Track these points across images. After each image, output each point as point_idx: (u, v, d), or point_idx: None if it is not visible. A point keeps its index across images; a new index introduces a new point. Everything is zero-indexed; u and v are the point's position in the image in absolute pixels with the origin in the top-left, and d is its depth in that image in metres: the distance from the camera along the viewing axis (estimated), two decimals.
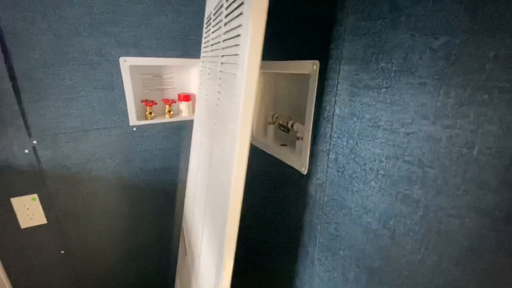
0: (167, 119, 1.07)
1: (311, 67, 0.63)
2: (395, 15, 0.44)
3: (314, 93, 0.63)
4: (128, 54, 0.93)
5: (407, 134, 0.44)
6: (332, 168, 0.62)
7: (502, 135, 0.33)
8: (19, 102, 0.82)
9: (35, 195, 0.92)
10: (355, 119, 0.54)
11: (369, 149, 0.51)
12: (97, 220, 1.07)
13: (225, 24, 0.57)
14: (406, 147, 0.44)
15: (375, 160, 0.50)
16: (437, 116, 0.39)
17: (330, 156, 0.62)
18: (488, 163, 0.34)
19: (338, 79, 0.57)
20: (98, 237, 1.09)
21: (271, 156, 0.88)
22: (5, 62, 0.77)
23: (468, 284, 0.39)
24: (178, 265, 1.28)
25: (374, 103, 0.49)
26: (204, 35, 0.94)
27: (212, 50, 0.73)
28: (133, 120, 1.00)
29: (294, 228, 0.80)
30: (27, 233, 0.94)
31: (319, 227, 0.68)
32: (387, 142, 0.47)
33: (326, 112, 0.61)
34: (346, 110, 0.56)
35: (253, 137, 0.98)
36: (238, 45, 0.46)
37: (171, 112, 1.08)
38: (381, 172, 0.49)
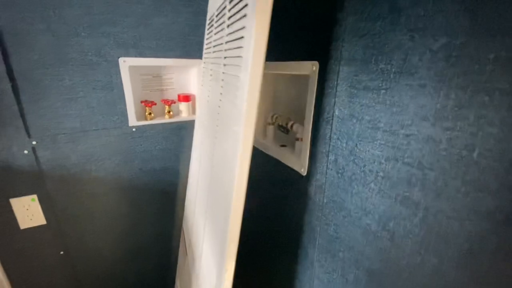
0: (166, 119, 1.07)
1: (310, 68, 0.63)
2: (394, 16, 0.43)
3: (314, 94, 0.63)
4: (127, 54, 0.92)
5: (407, 136, 0.43)
6: (331, 169, 0.61)
7: (503, 138, 0.33)
8: (19, 102, 0.82)
9: (35, 196, 0.92)
10: (354, 121, 0.53)
11: (368, 151, 0.51)
12: (96, 220, 1.07)
13: (228, 26, 0.57)
14: (405, 149, 0.44)
15: (374, 162, 0.50)
16: (437, 118, 0.39)
17: (329, 158, 0.62)
18: (488, 165, 0.34)
19: (337, 80, 0.56)
20: (98, 238, 1.09)
21: (271, 156, 0.88)
22: (4, 63, 0.77)
23: (468, 286, 0.38)
24: (178, 265, 1.28)
25: (373, 104, 0.49)
26: (206, 36, 0.93)
27: (214, 52, 0.73)
28: (133, 120, 1.00)
29: (293, 229, 0.80)
30: (26, 233, 0.94)
31: (319, 228, 0.68)
32: (386, 144, 0.47)
33: (325, 113, 0.61)
34: (345, 112, 0.55)
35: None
36: (241, 47, 0.46)
37: (171, 113, 1.08)
38: (381, 174, 0.49)
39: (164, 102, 1.06)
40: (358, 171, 0.54)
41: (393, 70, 0.44)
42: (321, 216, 0.67)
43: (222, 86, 0.63)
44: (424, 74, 0.40)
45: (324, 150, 0.63)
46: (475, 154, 0.35)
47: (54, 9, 0.79)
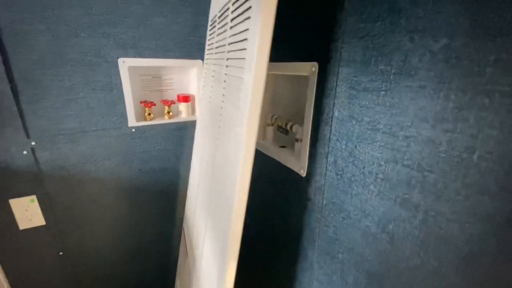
0: (166, 120, 1.07)
1: (309, 69, 0.62)
2: (394, 17, 0.43)
3: (313, 95, 0.63)
4: (127, 55, 0.92)
5: (406, 137, 0.43)
6: (331, 171, 0.61)
7: (503, 140, 0.32)
8: (18, 103, 0.82)
9: (34, 197, 0.92)
10: (354, 122, 0.53)
11: (368, 152, 0.51)
12: (96, 221, 1.06)
13: (231, 27, 0.57)
14: (405, 151, 0.44)
15: (374, 164, 0.50)
16: (436, 120, 0.39)
17: (329, 159, 0.61)
18: (489, 168, 0.34)
19: (337, 82, 0.56)
20: (97, 238, 1.09)
21: (270, 157, 0.88)
22: (4, 63, 0.77)
23: None
24: (178, 266, 1.28)
25: (373, 106, 0.48)
26: (208, 37, 0.93)
27: (216, 53, 0.73)
28: (132, 121, 1.00)
29: (293, 231, 0.80)
30: (25, 234, 0.94)
31: (318, 230, 0.68)
32: (386, 146, 0.47)
33: (325, 114, 0.61)
34: (345, 113, 0.55)
35: None
36: (245, 49, 0.46)
37: (170, 113, 1.08)
38: (380, 175, 0.49)
39: (164, 102, 1.06)
40: (358, 173, 0.54)
41: (393, 71, 0.44)
42: (321, 218, 0.66)
43: (224, 88, 0.63)
44: (424, 76, 0.40)
45: (323, 152, 0.63)
46: (475, 157, 0.35)
47: (54, 10, 0.79)
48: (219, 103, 0.66)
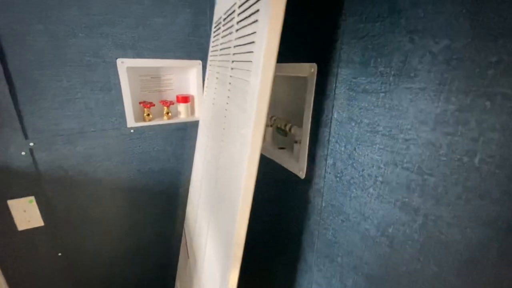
0: (165, 120, 1.06)
1: (308, 70, 0.62)
2: (394, 17, 0.42)
3: (312, 97, 0.62)
4: (125, 55, 0.92)
5: (406, 140, 0.43)
6: (330, 173, 0.61)
7: (505, 143, 0.32)
8: (16, 104, 0.82)
9: (32, 198, 0.91)
10: (353, 124, 0.52)
11: (367, 155, 0.50)
12: (94, 222, 1.06)
13: (237, 30, 0.57)
14: (405, 154, 0.43)
15: (373, 166, 0.49)
16: (437, 122, 0.38)
17: (328, 161, 0.61)
18: (490, 172, 0.33)
19: (336, 83, 0.55)
20: (96, 239, 1.09)
21: (269, 159, 0.87)
22: (2, 64, 0.77)
23: None
24: (179, 267, 1.28)
25: (372, 107, 0.48)
26: (212, 39, 0.93)
27: (221, 55, 0.73)
28: (131, 122, 0.99)
29: (292, 233, 0.79)
30: (24, 235, 0.94)
31: (317, 232, 0.67)
32: (385, 148, 0.46)
33: (324, 116, 0.60)
34: (344, 115, 0.55)
35: None
36: (252, 52, 0.46)
37: (169, 114, 1.07)
38: (380, 178, 0.48)
39: (163, 103, 1.05)
40: (357, 175, 0.53)
41: (393, 72, 0.43)
42: (320, 220, 0.66)
43: (229, 90, 0.62)
44: (424, 77, 0.39)
45: (322, 154, 0.62)
46: (476, 160, 0.34)
47: (52, 10, 0.79)
48: (224, 105, 0.66)
